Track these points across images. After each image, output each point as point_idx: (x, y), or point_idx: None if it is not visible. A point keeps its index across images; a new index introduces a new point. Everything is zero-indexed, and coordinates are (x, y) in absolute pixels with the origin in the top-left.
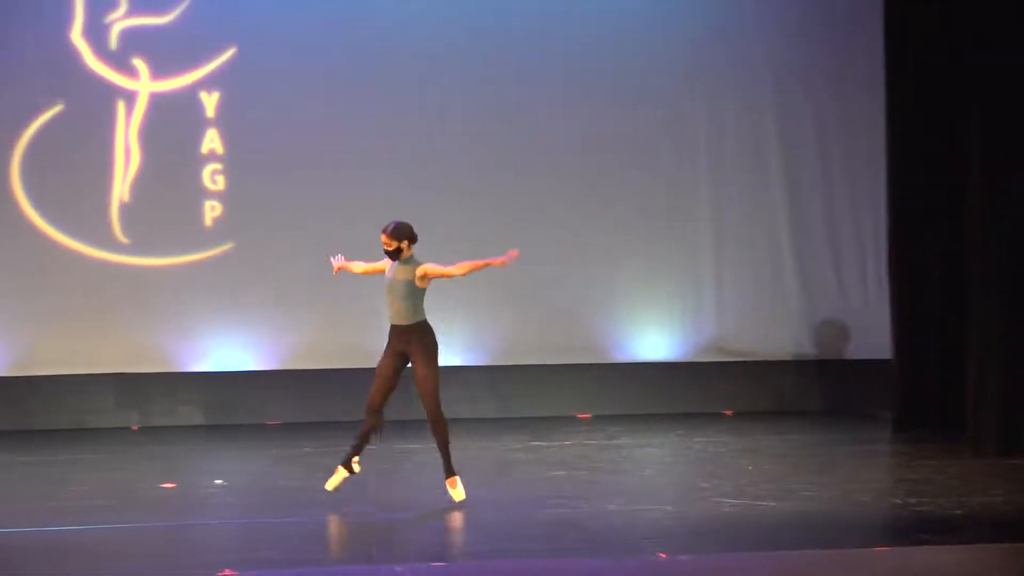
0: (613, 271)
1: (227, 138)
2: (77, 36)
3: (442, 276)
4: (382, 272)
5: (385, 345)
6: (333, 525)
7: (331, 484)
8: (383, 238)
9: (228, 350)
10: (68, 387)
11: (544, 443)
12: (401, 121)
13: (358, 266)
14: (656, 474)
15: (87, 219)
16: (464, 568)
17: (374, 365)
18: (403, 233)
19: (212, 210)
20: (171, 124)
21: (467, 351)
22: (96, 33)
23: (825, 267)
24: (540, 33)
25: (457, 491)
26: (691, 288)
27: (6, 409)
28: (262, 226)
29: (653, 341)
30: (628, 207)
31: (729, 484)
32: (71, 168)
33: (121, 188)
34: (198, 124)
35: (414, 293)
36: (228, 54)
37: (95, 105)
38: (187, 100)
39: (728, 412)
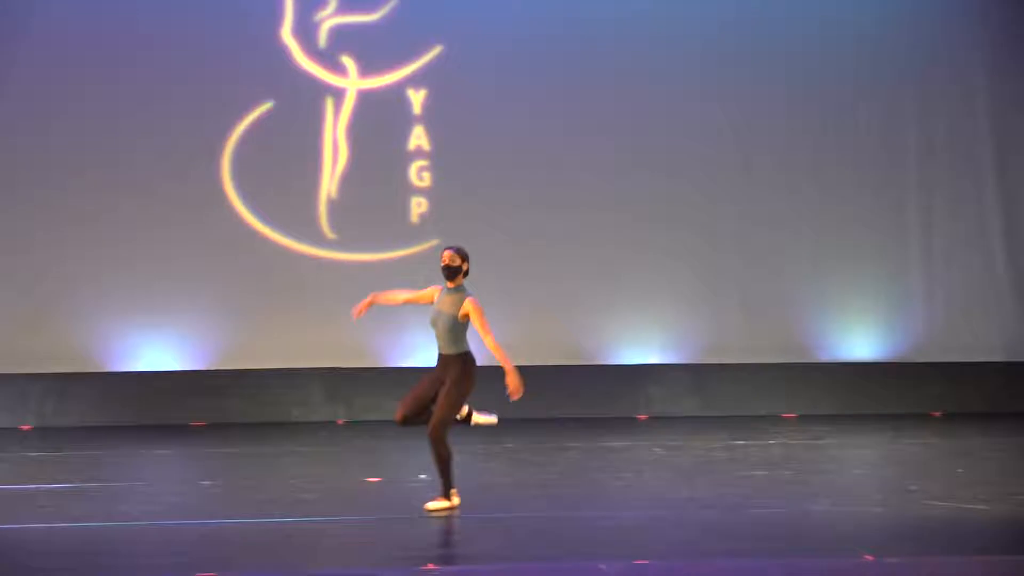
0: (821, 270)
1: (433, 135)
2: (287, 35)
3: (477, 329)
4: (429, 302)
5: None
6: (540, 523)
7: (431, 506)
8: (447, 254)
9: (435, 346)
10: (275, 381)
11: (747, 442)
12: (606, 117)
13: (399, 295)
14: (863, 475)
15: (295, 215)
16: (665, 567)
17: (576, 362)
18: (465, 256)
19: (418, 206)
20: (378, 121)
21: (668, 349)
22: (305, 32)
23: None
24: (759, 38)
25: (433, 504)
26: (900, 288)
27: (214, 402)
28: (468, 222)
29: (860, 341)
30: (835, 207)
31: (938, 486)
32: (280, 165)
33: (329, 184)
34: (405, 121)
35: (456, 327)
36: (435, 51)
37: (304, 103)
38: (394, 97)
39: (936, 413)
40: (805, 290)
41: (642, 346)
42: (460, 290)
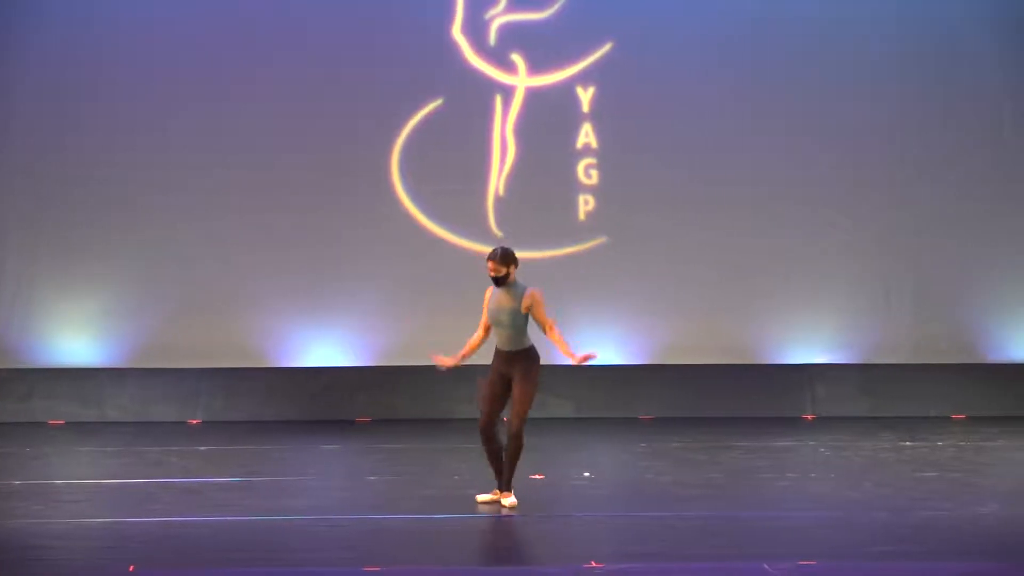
0: (991, 271)
1: (601, 133)
2: (457, 32)
3: (539, 322)
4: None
5: (490, 368)
6: (703, 522)
7: (483, 498)
8: (491, 265)
9: (600, 343)
10: (443, 377)
11: (916, 443)
12: (776, 116)
13: (473, 341)
14: None
15: (463, 212)
16: (831, 568)
17: (744, 361)
18: (510, 258)
19: (586, 204)
20: (547, 118)
21: (836, 348)
22: (476, 29)
23: None
24: (867, 34)
25: (510, 500)
26: None
27: (381, 398)
28: (635, 220)
29: None
30: (989, 204)
31: None
32: (448, 162)
33: (497, 181)
34: (573, 118)
35: (518, 319)
36: (605, 49)
37: (473, 100)
38: (563, 95)
39: None
40: (971, 290)
41: (810, 346)
42: (515, 285)
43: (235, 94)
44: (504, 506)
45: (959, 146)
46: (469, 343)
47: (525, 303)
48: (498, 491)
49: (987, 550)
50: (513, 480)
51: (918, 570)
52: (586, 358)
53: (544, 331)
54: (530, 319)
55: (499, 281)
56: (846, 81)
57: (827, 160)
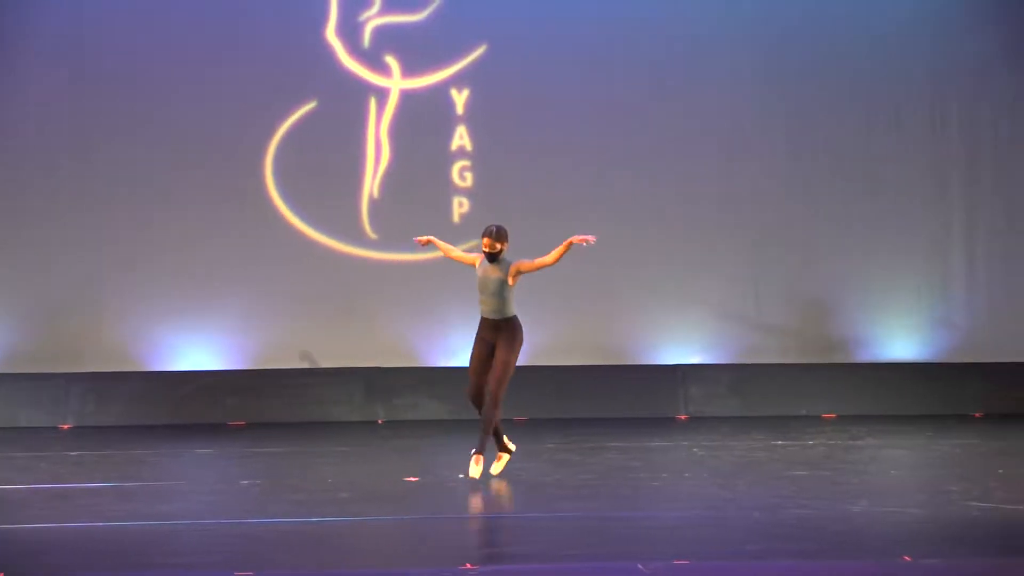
0: (860, 270)
1: (476, 135)
2: (331, 34)
3: (539, 267)
4: (471, 265)
5: (474, 338)
6: (579, 523)
7: (496, 469)
8: (487, 241)
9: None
10: (316, 380)
11: (787, 443)
12: (650, 118)
13: (452, 251)
14: (902, 476)
15: (337, 214)
16: (703, 567)
17: (617, 362)
18: (503, 237)
19: (460, 206)
20: (421, 121)
21: (708, 349)
22: (350, 31)
23: None
24: (789, 35)
25: (475, 468)
26: (940, 287)
27: (253, 402)
28: (510, 222)
29: (901, 341)
30: (877, 204)
31: (978, 487)
32: (322, 165)
33: (371, 184)
34: (448, 121)
35: (505, 290)
36: (479, 51)
37: (347, 102)
38: (437, 97)
39: (978, 414)
40: (845, 290)
41: (682, 346)
42: (503, 260)
43: (105, 92)
44: (490, 470)
45: (827, 146)
46: (445, 245)
47: (512, 274)
48: (501, 453)
49: (858, 547)
50: (393, 480)
51: (791, 568)
52: (584, 239)
53: (550, 263)
54: (514, 291)
55: (492, 257)
56: (715, 81)
57: (698, 160)
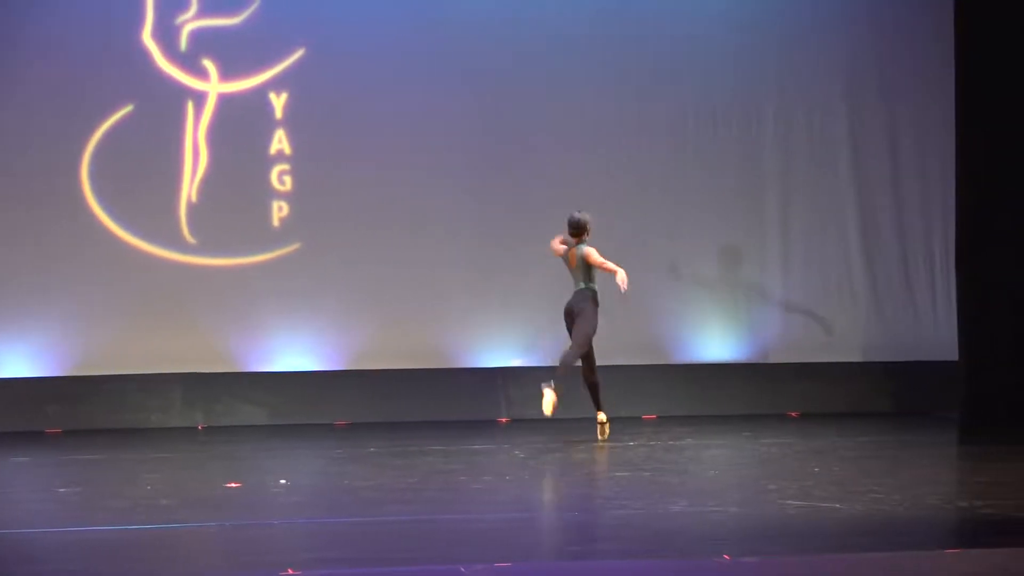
0: (676, 270)
1: (295, 139)
2: (147, 37)
3: (597, 263)
4: (558, 255)
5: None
6: (400, 527)
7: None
8: (572, 229)
9: (295, 350)
10: (134, 386)
11: (608, 444)
12: (470, 122)
13: (558, 245)
14: (721, 475)
15: (155, 219)
16: (526, 569)
17: (437, 365)
18: (584, 228)
19: (280, 210)
20: (239, 125)
21: (529, 351)
22: (166, 34)
23: (893, 267)
24: (611, 34)
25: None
26: (758, 288)
27: (72, 408)
28: (329, 227)
29: (719, 342)
30: (695, 206)
31: (795, 486)
32: (140, 168)
33: (189, 188)
34: (266, 125)
35: (586, 265)
36: (297, 55)
37: (164, 106)
38: (256, 101)
39: (794, 414)
40: (663, 292)
41: (502, 349)
42: (583, 243)
43: None
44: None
45: (645, 145)
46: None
47: (585, 254)
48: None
49: (679, 546)
50: (215, 485)
51: (612, 568)
52: (622, 283)
53: (600, 268)
54: (593, 268)
55: (577, 232)
56: (543, 87)
57: (522, 165)
